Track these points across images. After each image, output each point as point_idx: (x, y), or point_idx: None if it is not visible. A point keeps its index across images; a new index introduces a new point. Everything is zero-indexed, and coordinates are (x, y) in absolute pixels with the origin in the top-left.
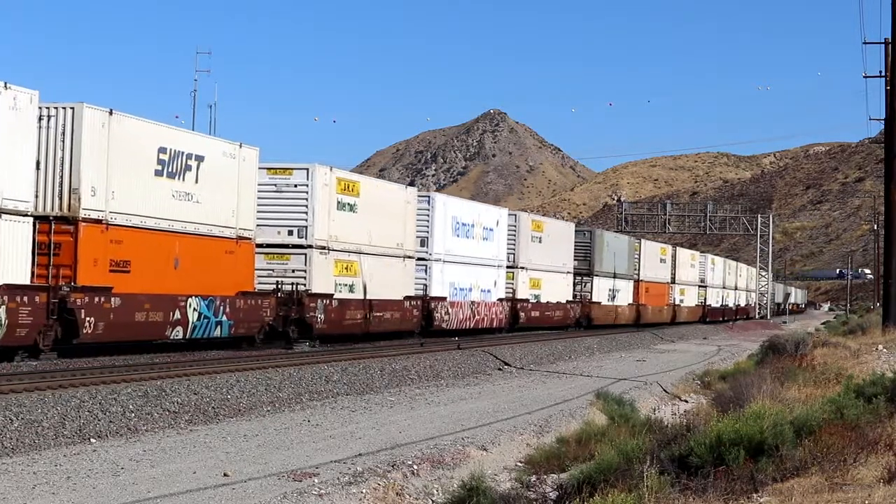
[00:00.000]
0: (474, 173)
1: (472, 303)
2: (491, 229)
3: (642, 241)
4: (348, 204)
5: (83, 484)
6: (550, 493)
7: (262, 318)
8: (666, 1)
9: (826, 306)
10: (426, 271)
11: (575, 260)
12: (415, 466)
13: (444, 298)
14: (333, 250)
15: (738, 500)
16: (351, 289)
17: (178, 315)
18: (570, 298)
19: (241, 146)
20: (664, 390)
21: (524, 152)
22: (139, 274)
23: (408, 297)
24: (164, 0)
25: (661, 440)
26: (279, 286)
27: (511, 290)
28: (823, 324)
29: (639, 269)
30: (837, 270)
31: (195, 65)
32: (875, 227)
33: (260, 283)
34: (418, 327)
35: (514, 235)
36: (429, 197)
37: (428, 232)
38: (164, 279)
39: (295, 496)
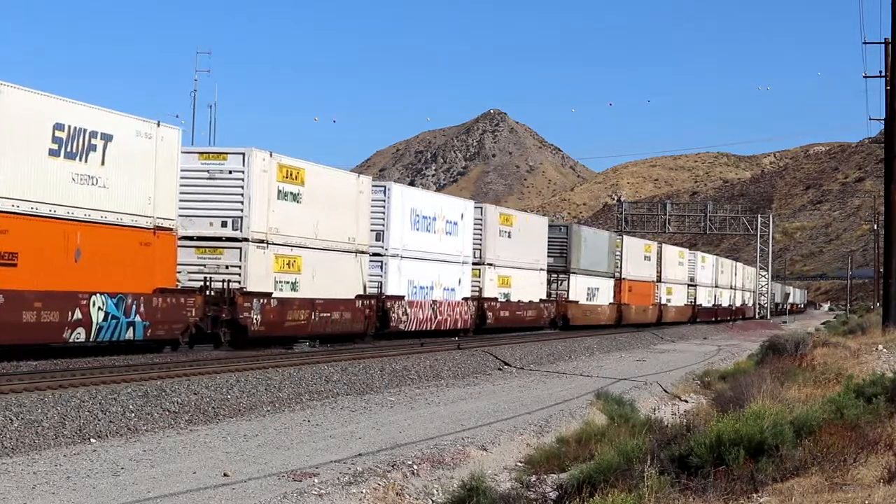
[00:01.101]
0: (474, 173)
1: (434, 302)
2: (455, 223)
3: (624, 237)
4: (291, 193)
5: (83, 484)
6: (550, 493)
7: (186, 318)
8: (666, 1)
9: (826, 306)
10: (382, 268)
11: (550, 257)
12: (415, 466)
13: (401, 297)
14: (273, 244)
15: (738, 500)
16: (294, 287)
17: (78, 315)
18: (544, 297)
19: (158, 125)
20: (664, 390)
21: (524, 152)
22: (29, 268)
23: (360, 296)
24: (164, 0)
25: (661, 440)
26: (207, 283)
27: (478, 289)
28: (823, 324)
29: (621, 267)
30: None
31: (195, 65)
32: (875, 227)
33: (191, 280)
34: (372, 328)
35: (481, 229)
36: (384, 187)
37: (384, 225)
38: (62, 274)
39: (295, 496)
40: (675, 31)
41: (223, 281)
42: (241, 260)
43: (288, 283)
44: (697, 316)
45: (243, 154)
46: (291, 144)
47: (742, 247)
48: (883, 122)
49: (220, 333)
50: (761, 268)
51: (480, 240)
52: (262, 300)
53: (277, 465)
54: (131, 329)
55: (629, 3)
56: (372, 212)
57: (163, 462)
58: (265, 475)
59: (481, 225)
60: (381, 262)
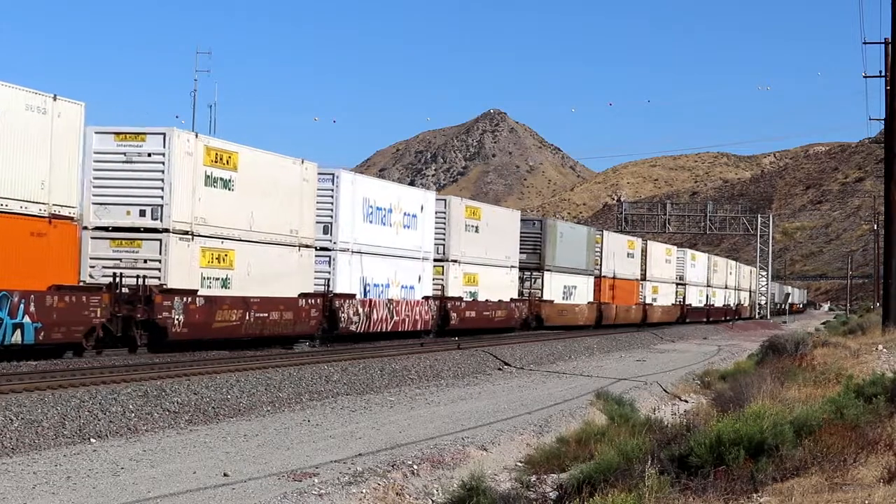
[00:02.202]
0: (474, 173)
1: (391, 301)
2: (414, 215)
3: (605, 232)
4: (222, 179)
5: (83, 484)
6: (550, 493)
7: (90, 319)
8: (666, 1)
9: (826, 306)
10: (330, 264)
11: (522, 253)
12: (415, 466)
13: (352, 296)
14: (200, 236)
15: (738, 500)
16: (225, 284)
17: None
18: (516, 296)
19: (55, 98)
20: (664, 390)
21: (524, 152)
22: None
23: (304, 295)
24: (164, 0)
25: (661, 440)
26: (118, 279)
27: (441, 287)
28: (823, 324)
29: (601, 264)
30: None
31: (195, 65)
32: (875, 227)
33: (105, 277)
34: (318, 329)
35: (444, 223)
36: (333, 175)
37: (332, 217)
38: None
39: (295, 496)
40: (675, 31)
41: (138, 277)
42: (161, 253)
43: (218, 279)
44: (687, 316)
45: (164, 134)
46: (291, 144)
47: (742, 247)
48: (883, 122)
49: (135, 336)
50: (761, 268)
51: (444, 234)
52: (185, 298)
53: (277, 465)
54: (19, 332)
55: (629, 3)
56: (319, 202)
57: (163, 462)
58: (265, 475)
59: (444, 218)
60: (330, 257)
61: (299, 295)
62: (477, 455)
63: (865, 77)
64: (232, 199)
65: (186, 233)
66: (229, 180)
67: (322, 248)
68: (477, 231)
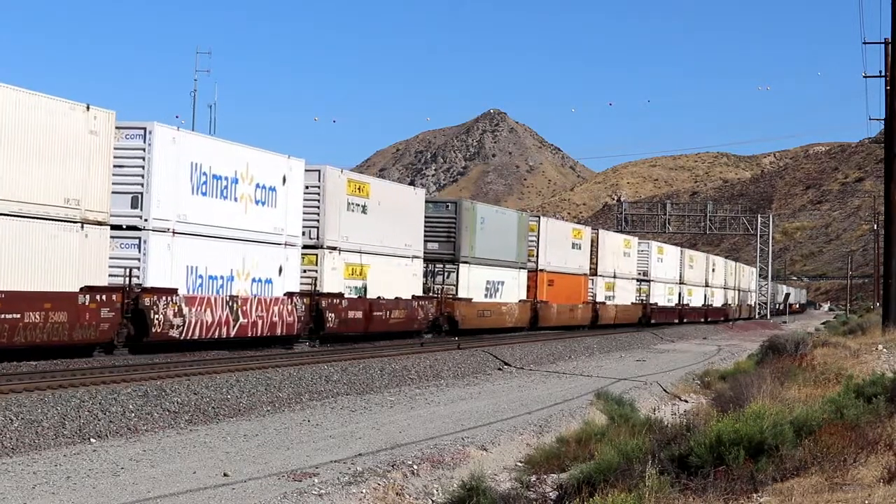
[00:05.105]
0: (474, 173)
1: (234, 299)
2: (272, 188)
3: (542, 218)
4: None
5: (83, 484)
6: (550, 493)
7: None
8: (666, 1)
9: (826, 306)
10: (139, 248)
11: (433, 241)
12: (415, 466)
13: (173, 291)
14: None
15: (738, 500)
16: None
17: None
18: (420, 293)
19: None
20: (664, 390)
21: (524, 152)
22: None
23: (91, 290)
24: (164, 0)
25: (661, 440)
26: None
27: (314, 281)
28: (823, 324)
29: (536, 256)
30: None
31: (195, 65)
32: (875, 227)
33: None
34: (112, 336)
35: (319, 201)
36: (144, 129)
37: (143, 185)
38: None
39: (295, 496)
40: (675, 31)
41: None
42: None
43: None
44: (651, 317)
45: None
46: (291, 144)
47: (742, 247)
48: (883, 122)
49: None
50: (761, 267)
51: (317, 214)
52: None
53: (277, 465)
54: None
55: (629, 3)
56: (120, 165)
57: (163, 462)
58: (265, 475)
59: (319, 194)
60: (139, 239)
61: (82, 289)
62: (477, 455)
63: (865, 77)
64: None
65: None
66: None
67: (129, 227)
68: (365, 211)
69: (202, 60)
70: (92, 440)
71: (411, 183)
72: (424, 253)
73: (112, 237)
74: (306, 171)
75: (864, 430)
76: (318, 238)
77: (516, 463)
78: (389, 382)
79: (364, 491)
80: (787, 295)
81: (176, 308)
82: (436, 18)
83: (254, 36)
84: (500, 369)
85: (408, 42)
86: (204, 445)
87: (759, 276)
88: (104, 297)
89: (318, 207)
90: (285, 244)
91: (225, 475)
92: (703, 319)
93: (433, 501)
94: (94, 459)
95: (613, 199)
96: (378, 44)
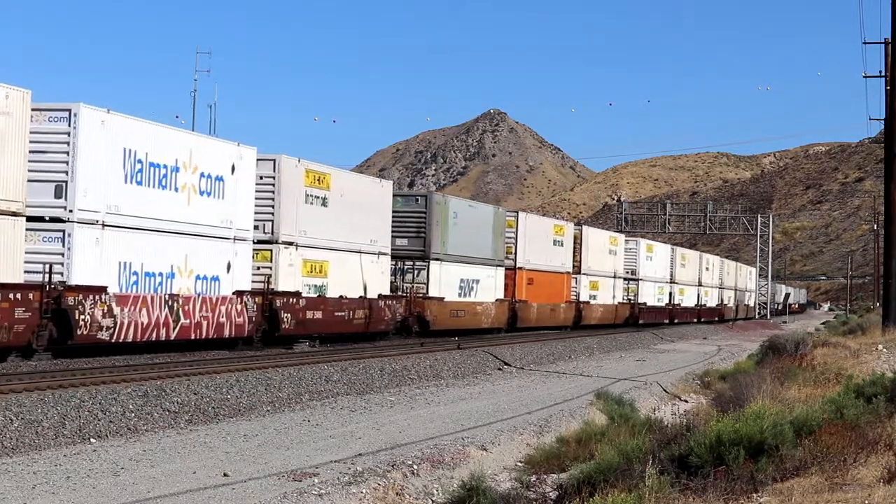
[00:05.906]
0: (474, 173)
1: (173, 297)
2: (219, 178)
3: (521, 214)
4: None
5: (83, 484)
6: (550, 493)
7: None
8: (666, 1)
9: (826, 306)
10: (64, 241)
11: (402, 237)
12: (415, 466)
13: (101, 289)
14: None
15: (738, 500)
16: None
17: None
18: (388, 292)
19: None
20: (664, 390)
21: (524, 152)
22: None
23: (1, 287)
24: (164, 0)
25: (661, 440)
26: None
27: (268, 279)
28: (823, 324)
29: (515, 253)
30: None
31: (195, 65)
32: (875, 227)
33: None
34: (29, 338)
35: (273, 192)
36: (69, 111)
37: (68, 173)
38: None
39: (295, 496)
40: (675, 31)
41: None
42: None
43: None
44: (639, 317)
45: None
46: (291, 144)
47: (742, 247)
48: (883, 122)
49: None
50: (761, 267)
51: (272, 207)
52: None
53: (277, 465)
54: None
55: (629, 3)
56: (43, 150)
57: (163, 462)
58: (265, 475)
59: (273, 185)
60: (63, 232)
61: None
62: (477, 455)
63: (865, 77)
64: None
65: None
66: None
67: (52, 218)
68: (325, 204)
69: (202, 60)
70: (92, 440)
71: (411, 183)
72: (392, 249)
73: (32, 230)
74: (259, 160)
75: (864, 430)
76: (272, 232)
77: (516, 463)
78: (389, 382)
79: (364, 491)
80: (787, 295)
81: (105, 308)
82: (436, 18)
83: (254, 36)
84: (500, 369)
85: (408, 42)
86: (204, 445)
87: (759, 275)
88: (18, 295)
89: (273, 199)
90: (234, 238)
91: (225, 475)
92: (695, 320)
93: (433, 501)
94: (94, 459)
95: (613, 200)
96: (378, 44)
